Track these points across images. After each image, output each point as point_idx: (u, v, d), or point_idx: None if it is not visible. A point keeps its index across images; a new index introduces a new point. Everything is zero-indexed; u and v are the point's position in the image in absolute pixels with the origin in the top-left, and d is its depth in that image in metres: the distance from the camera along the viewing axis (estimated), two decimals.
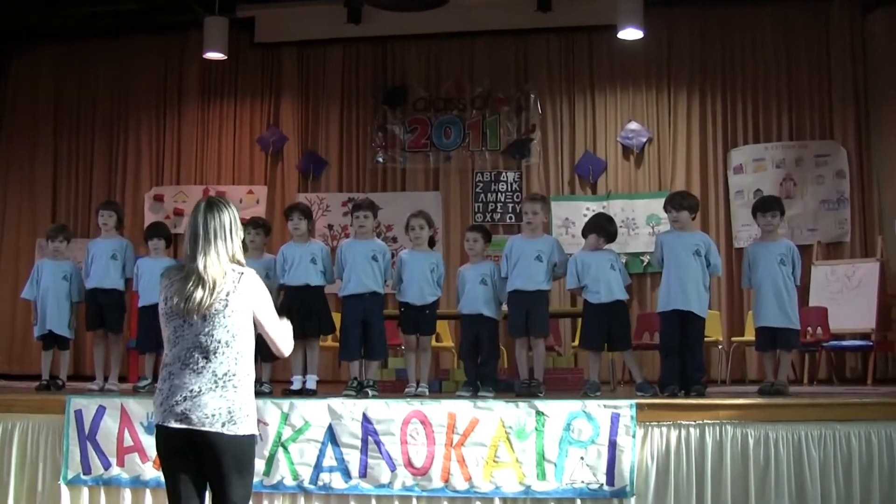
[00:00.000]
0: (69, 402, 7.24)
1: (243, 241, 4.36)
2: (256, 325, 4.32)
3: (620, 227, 10.47)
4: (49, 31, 13.05)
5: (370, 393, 7.64)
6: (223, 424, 4.09)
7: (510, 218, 12.20)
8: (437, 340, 9.51)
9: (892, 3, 11.34)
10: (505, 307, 8.13)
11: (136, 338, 8.89)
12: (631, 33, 11.01)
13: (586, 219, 8.87)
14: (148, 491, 7.02)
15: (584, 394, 7.46)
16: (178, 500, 4.20)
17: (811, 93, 11.78)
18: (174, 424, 4.10)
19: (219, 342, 4.13)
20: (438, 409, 6.85)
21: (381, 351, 8.15)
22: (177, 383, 4.12)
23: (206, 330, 4.13)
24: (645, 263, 11.68)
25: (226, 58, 12.09)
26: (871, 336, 10.07)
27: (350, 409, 6.91)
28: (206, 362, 4.11)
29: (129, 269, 8.67)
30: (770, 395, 7.34)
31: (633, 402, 6.72)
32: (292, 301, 7.97)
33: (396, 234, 11.92)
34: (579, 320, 8.70)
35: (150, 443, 6.83)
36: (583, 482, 6.59)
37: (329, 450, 6.85)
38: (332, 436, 6.87)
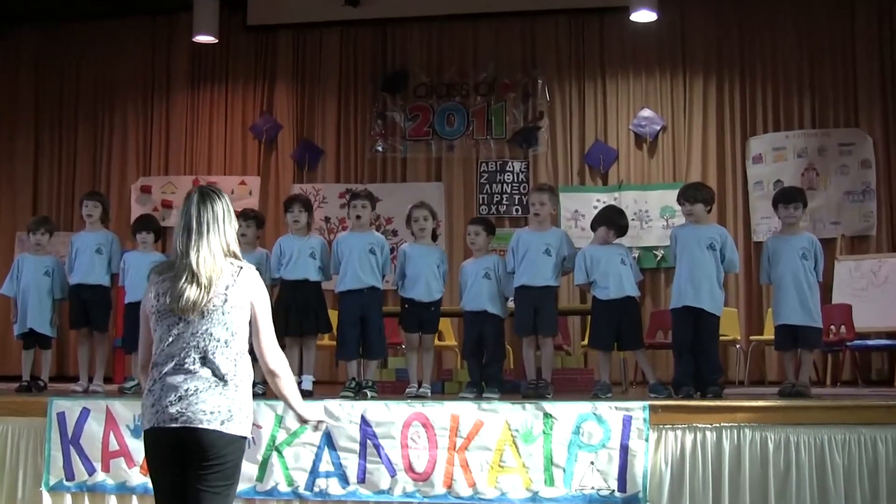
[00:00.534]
0: (51, 404, 7.24)
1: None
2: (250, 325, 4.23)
3: (632, 219, 10.51)
4: (28, 14, 13.01)
5: (369, 394, 7.64)
6: (222, 422, 4.02)
7: (516, 210, 12.19)
8: (439, 339, 9.52)
9: None
10: (511, 304, 8.13)
11: (123, 336, 8.90)
12: (644, 15, 11.01)
13: (596, 211, 8.86)
14: (135, 498, 7.03)
15: (594, 395, 7.47)
16: None
17: (835, 78, 11.75)
18: (167, 425, 4.02)
19: (217, 341, 4.07)
20: (441, 412, 6.85)
21: (381, 350, 8.15)
22: (170, 383, 4.04)
23: (204, 328, 4.06)
24: (658, 258, 11.68)
25: (217, 41, 12.10)
26: None
27: (348, 411, 6.91)
28: (204, 363, 4.05)
29: (115, 263, 8.68)
30: (791, 397, 7.34)
31: (646, 403, 6.72)
32: (288, 297, 7.98)
33: (397, 227, 11.91)
34: (589, 318, 8.70)
35: (136, 447, 6.84)
36: (593, 488, 6.59)
37: (326, 454, 6.85)
38: (328, 439, 6.87)
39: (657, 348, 9.99)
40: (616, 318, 7.85)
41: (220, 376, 4.06)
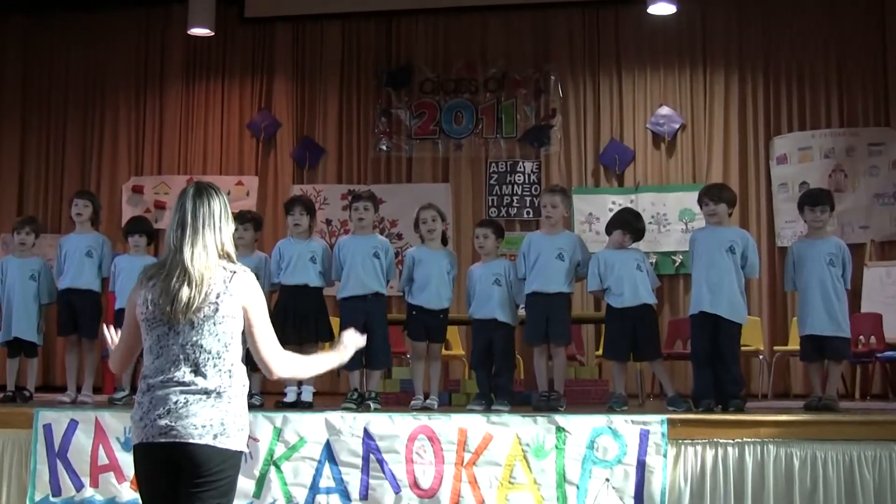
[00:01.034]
0: (37, 415, 7.25)
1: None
2: (245, 333, 4.19)
3: (650, 223, 10.49)
4: (14, 2, 13.01)
5: (372, 406, 7.64)
6: (215, 437, 3.97)
7: (527, 213, 12.18)
8: (445, 348, 9.51)
9: None
10: (521, 311, 8.12)
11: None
12: (662, 8, 11.00)
13: (611, 214, 8.85)
14: None
15: (609, 408, 7.46)
16: None
17: (864, 73, 11.70)
18: (156, 440, 3.98)
19: (209, 353, 4.02)
20: (448, 425, 6.85)
21: (385, 359, 8.16)
22: (159, 395, 4.00)
23: (195, 339, 4.01)
24: (677, 264, 11.65)
25: (213, 34, 12.11)
26: None
27: (350, 424, 6.91)
28: (195, 375, 4.00)
29: (105, 267, 8.69)
30: (818, 411, 7.32)
31: (664, 417, 6.72)
32: (288, 303, 7.98)
33: (402, 231, 11.92)
34: (604, 326, 8.70)
35: (127, 460, 6.84)
36: None
37: (326, 469, 6.86)
38: (329, 453, 6.88)
39: (675, 359, 9.96)
40: (632, 326, 7.85)
41: (212, 388, 4.01)
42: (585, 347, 11.21)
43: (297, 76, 12.93)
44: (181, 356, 4.02)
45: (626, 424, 6.70)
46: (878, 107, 11.66)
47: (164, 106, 13.07)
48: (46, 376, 11.80)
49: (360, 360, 7.94)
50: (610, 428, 6.70)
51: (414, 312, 8.07)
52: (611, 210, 10.70)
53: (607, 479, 6.61)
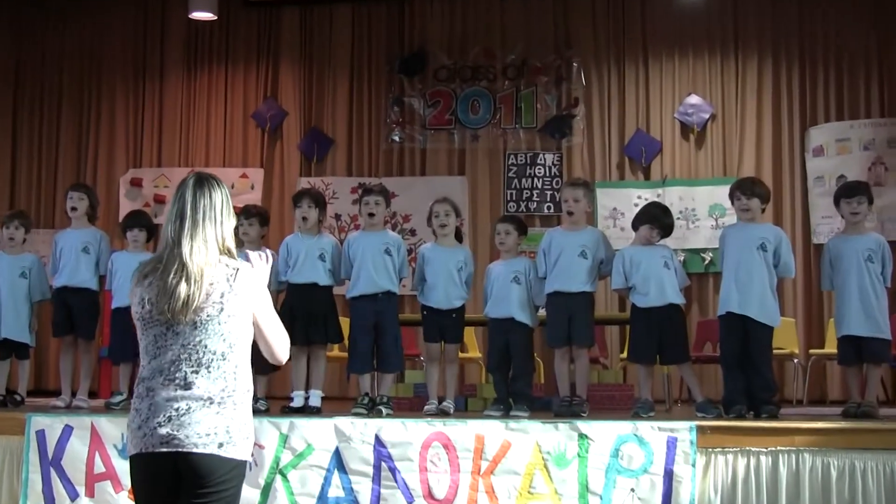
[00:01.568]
0: (30, 420, 7.27)
1: (235, 231, 4.28)
2: (254, 327, 4.20)
3: (678, 218, 10.47)
4: None
5: (384, 411, 7.65)
6: (220, 445, 3.95)
7: (548, 208, 12.18)
8: (461, 350, 9.52)
9: None
10: (542, 311, 8.12)
11: (109, 345, 8.93)
12: None
13: (637, 209, 8.84)
14: None
15: (634, 414, 7.46)
16: None
17: None
18: (157, 450, 3.95)
19: (213, 354, 4.01)
20: (464, 431, 6.85)
21: (397, 362, 8.17)
22: (159, 401, 3.97)
23: (198, 339, 4.00)
24: (706, 262, 11.64)
25: (216, 18, 12.13)
26: None
27: (360, 431, 6.92)
28: (197, 377, 3.97)
29: (103, 264, 8.69)
30: (856, 419, 7.31)
31: (693, 424, 6.71)
32: (295, 303, 7.98)
33: (415, 226, 11.93)
34: (628, 328, 8.69)
35: (124, 468, 6.82)
36: None
37: (335, 478, 6.86)
38: (339, 461, 6.88)
39: (704, 362, 9.97)
40: (658, 327, 7.84)
41: (215, 394, 3.99)
42: (609, 350, 11.21)
43: (304, 63, 12.94)
44: (182, 357, 4.01)
45: (653, 431, 6.69)
46: None
47: (163, 94, 13.08)
48: (39, 380, 11.85)
49: (371, 362, 7.97)
50: (635, 435, 6.69)
51: (426, 313, 8.08)
52: (636, 205, 10.69)
53: (632, 490, 6.61)
